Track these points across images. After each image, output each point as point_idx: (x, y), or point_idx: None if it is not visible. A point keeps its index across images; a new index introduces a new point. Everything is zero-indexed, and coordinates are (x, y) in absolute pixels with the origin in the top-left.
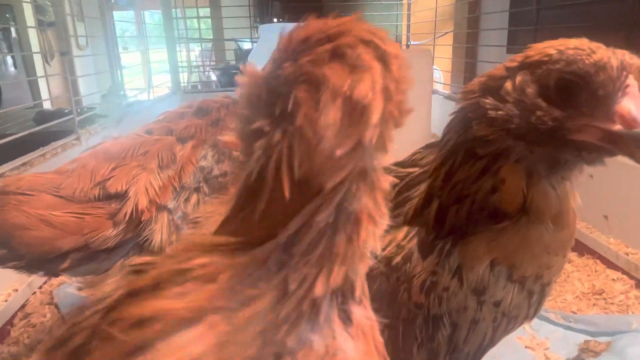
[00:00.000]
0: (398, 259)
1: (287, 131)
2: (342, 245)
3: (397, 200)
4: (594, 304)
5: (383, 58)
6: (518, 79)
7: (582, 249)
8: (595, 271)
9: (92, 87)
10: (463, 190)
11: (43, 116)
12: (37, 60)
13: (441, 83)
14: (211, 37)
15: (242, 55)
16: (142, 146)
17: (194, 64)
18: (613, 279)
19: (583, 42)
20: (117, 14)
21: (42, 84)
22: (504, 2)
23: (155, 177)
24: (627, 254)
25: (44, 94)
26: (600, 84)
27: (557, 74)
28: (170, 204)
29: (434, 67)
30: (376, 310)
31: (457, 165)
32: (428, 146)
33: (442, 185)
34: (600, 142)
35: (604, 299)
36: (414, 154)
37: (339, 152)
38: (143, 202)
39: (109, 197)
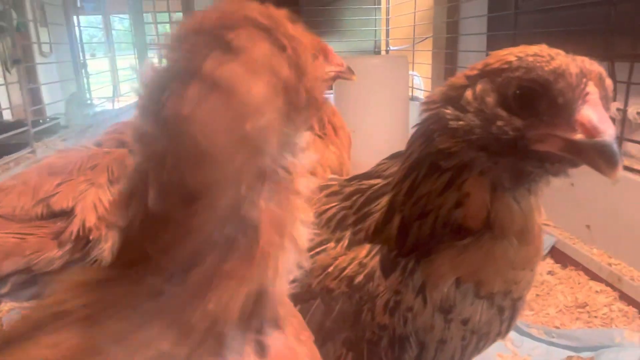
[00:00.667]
0: (360, 277)
1: (165, 131)
2: (240, 263)
3: (359, 215)
4: (577, 318)
5: (277, 43)
6: (478, 87)
7: (565, 260)
8: (579, 283)
9: (57, 96)
10: (427, 205)
11: (0, 127)
12: None
13: (421, 90)
14: None
15: None
16: (90, 159)
17: None
18: (596, 291)
19: (543, 49)
20: (84, 19)
21: (2, 93)
22: (482, 6)
23: (105, 192)
24: (610, 264)
25: (4, 103)
26: (560, 92)
27: (516, 81)
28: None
29: (414, 73)
30: (338, 331)
31: (420, 178)
32: (393, 156)
33: (404, 200)
34: (562, 152)
35: (587, 312)
36: (379, 164)
37: (216, 151)
38: (91, 220)
39: (53, 215)
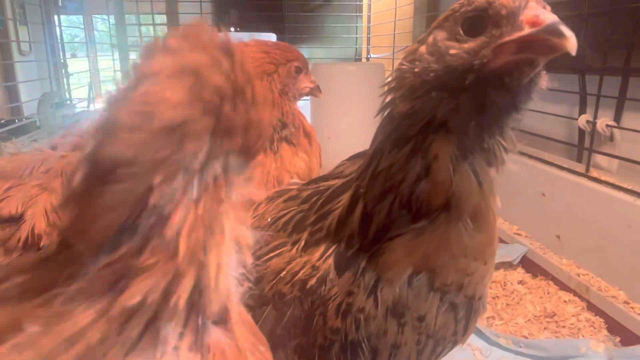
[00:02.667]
0: (313, 281)
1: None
2: (155, 257)
3: (319, 214)
4: (545, 328)
5: (215, 57)
6: (430, 38)
7: (535, 270)
8: (548, 293)
9: (36, 95)
10: (386, 182)
11: None
12: None
13: None
14: None
15: None
16: (44, 163)
17: None
18: (565, 301)
19: None
20: (66, 19)
21: None
22: None
23: (58, 197)
24: (578, 275)
25: None
26: (502, 5)
27: (463, 16)
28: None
29: None
30: (290, 338)
31: (384, 159)
32: (352, 157)
33: (368, 186)
34: (517, 54)
35: (556, 322)
36: (337, 166)
37: (130, 136)
38: (41, 226)
39: (0, 221)
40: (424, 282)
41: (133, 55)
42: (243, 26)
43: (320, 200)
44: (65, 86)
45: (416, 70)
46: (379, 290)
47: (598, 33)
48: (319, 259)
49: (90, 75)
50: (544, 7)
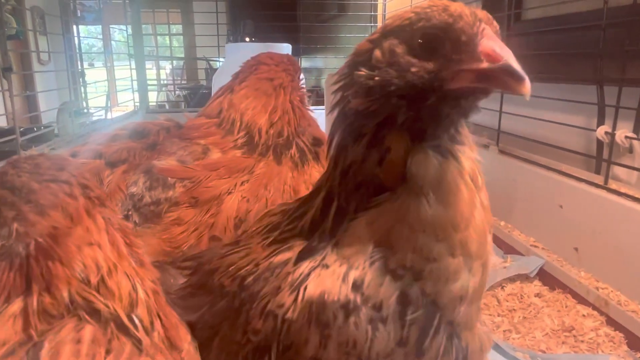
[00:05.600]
0: (250, 278)
1: None
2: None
3: (293, 217)
4: (563, 342)
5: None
6: (385, 44)
7: (553, 282)
8: (566, 306)
9: (54, 104)
10: (357, 175)
11: None
12: None
13: None
14: (182, 55)
15: (212, 74)
16: None
17: (165, 82)
18: (583, 315)
19: (434, 0)
20: (84, 30)
21: None
22: None
23: None
24: (597, 288)
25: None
26: (461, 30)
27: (420, 31)
28: None
29: None
30: (215, 332)
31: (349, 154)
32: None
33: (340, 182)
34: (474, 83)
35: (574, 336)
36: None
37: None
38: None
39: None
40: (378, 263)
41: (149, 65)
42: (258, 36)
43: (295, 206)
44: (83, 95)
45: (376, 78)
46: (305, 285)
47: (616, 43)
48: (264, 258)
49: (107, 85)
50: (497, 32)
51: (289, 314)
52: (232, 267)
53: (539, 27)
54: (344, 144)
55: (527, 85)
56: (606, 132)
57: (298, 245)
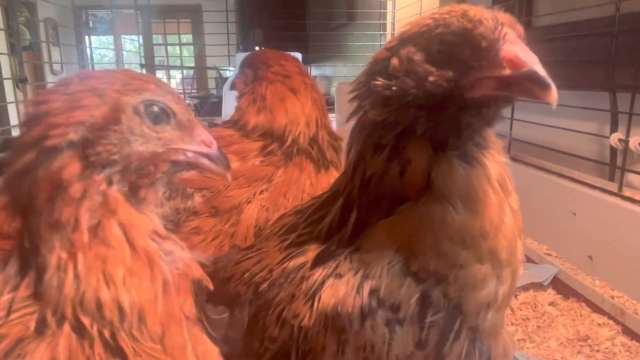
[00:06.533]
0: (265, 284)
1: None
2: None
3: (309, 220)
4: (578, 352)
5: None
6: (403, 52)
7: (567, 291)
8: (581, 315)
9: None
10: (378, 188)
11: (9, 144)
12: (8, 84)
13: None
14: (192, 64)
15: (222, 83)
16: None
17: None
18: (599, 324)
19: (454, 6)
20: (96, 40)
21: (12, 110)
22: None
23: None
24: (612, 297)
25: (14, 120)
26: (482, 36)
27: (439, 38)
28: None
29: None
30: (233, 341)
31: (368, 165)
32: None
33: (360, 192)
34: (496, 91)
35: (589, 345)
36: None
37: None
38: None
39: None
40: (399, 265)
41: (160, 74)
42: (268, 45)
43: (311, 209)
44: None
45: (394, 88)
46: (320, 293)
47: (629, 50)
48: (278, 263)
49: None
50: (520, 36)
51: (304, 322)
52: (247, 274)
53: (550, 34)
54: (362, 154)
55: (554, 93)
56: (620, 139)
57: (313, 250)
